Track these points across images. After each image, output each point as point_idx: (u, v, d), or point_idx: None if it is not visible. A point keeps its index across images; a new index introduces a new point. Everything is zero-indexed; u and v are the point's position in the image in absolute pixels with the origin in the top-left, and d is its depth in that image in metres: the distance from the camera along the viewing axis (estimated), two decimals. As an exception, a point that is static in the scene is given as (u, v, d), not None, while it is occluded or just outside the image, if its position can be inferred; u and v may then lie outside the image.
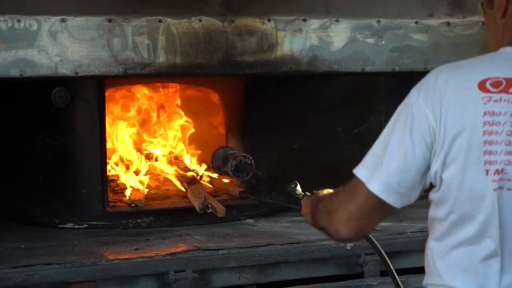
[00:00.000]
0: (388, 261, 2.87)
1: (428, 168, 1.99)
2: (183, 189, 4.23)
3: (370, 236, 2.70)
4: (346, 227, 2.05)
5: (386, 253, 3.63)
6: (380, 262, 3.64)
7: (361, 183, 2.02)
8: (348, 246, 3.60)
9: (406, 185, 2.00)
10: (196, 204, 3.89)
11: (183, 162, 4.60)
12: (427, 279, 2.09)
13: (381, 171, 1.99)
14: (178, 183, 4.34)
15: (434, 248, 2.05)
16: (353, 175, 2.05)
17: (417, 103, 1.98)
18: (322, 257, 3.65)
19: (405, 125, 1.99)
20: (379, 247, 2.77)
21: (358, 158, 3.89)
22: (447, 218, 1.99)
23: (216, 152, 4.08)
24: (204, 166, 4.55)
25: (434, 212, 2.03)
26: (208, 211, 3.87)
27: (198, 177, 4.41)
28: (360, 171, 2.04)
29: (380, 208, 2.02)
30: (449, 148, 1.95)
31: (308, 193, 2.68)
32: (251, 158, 3.89)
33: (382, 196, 1.99)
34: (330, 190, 2.35)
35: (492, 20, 2.09)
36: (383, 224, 3.87)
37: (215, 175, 4.50)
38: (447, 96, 1.95)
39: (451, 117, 1.94)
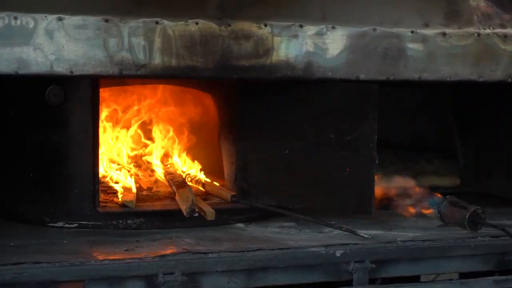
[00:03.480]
0: None
1: None
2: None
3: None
4: None
5: (374, 262, 3.67)
6: (370, 270, 3.65)
7: None
8: (338, 253, 3.62)
9: None
10: (183, 208, 3.89)
11: (174, 164, 4.60)
12: None
13: None
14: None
15: None
16: None
17: None
18: (312, 263, 3.65)
19: None
20: None
21: (350, 164, 3.91)
22: None
23: (450, 198, 4.19)
24: (195, 168, 4.55)
25: None
26: (195, 215, 3.88)
27: (190, 180, 4.41)
28: None
29: None
30: None
31: None
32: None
33: None
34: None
35: None
36: (372, 232, 3.88)
37: (208, 179, 4.50)
38: None
39: None
